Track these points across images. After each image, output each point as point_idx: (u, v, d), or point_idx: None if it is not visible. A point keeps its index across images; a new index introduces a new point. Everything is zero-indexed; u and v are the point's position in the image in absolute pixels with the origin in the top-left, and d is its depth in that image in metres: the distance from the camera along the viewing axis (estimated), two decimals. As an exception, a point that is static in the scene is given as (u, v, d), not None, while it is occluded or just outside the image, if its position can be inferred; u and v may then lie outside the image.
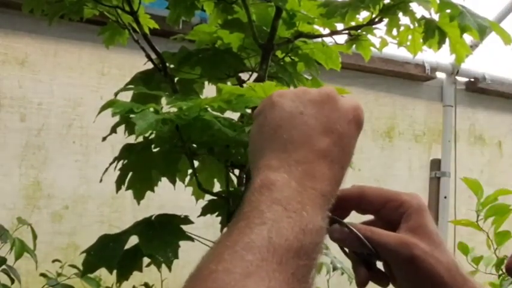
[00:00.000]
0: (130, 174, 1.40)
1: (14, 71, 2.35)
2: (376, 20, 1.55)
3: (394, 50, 1.72)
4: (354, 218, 0.75)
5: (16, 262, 1.82)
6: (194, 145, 1.39)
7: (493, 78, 3.31)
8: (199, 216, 1.46)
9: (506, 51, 1.68)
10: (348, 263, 1.91)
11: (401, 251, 0.67)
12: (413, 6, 1.51)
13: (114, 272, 1.37)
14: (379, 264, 0.71)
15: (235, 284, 0.51)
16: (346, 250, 0.72)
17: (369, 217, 0.74)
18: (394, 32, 1.59)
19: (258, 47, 1.56)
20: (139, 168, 1.41)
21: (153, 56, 1.57)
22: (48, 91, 2.39)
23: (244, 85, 1.55)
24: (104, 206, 2.43)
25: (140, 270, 1.39)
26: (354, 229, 0.69)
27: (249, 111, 1.42)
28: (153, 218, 1.42)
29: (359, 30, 1.59)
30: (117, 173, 1.41)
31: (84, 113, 2.40)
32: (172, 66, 1.57)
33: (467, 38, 1.54)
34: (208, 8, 1.62)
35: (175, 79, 1.57)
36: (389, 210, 0.72)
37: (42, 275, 1.92)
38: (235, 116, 1.48)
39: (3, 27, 2.33)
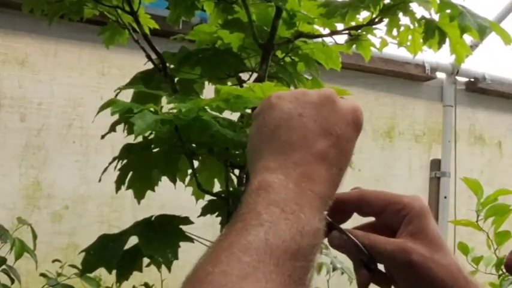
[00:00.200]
0: (130, 173, 1.40)
1: (14, 71, 2.35)
2: (376, 20, 1.55)
3: (394, 50, 1.72)
4: (356, 220, 0.75)
5: (16, 262, 1.82)
6: (193, 145, 1.39)
7: (493, 78, 3.31)
8: (199, 216, 1.46)
9: (506, 51, 1.68)
10: (348, 263, 1.91)
11: (398, 257, 0.67)
12: (414, 6, 1.50)
13: (114, 272, 1.37)
14: (381, 266, 0.71)
15: (232, 286, 0.51)
16: None
17: (371, 219, 0.74)
18: (394, 32, 1.59)
19: (258, 47, 1.56)
20: (139, 168, 1.41)
21: (153, 56, 1.57)
22: (48, 91, 2.39)
23: (245, 85, 1.55)
24: (103, 206, 2.43)
25: (140, 270, 1.39)
26: (351, 236, 0.69)
27: (248, 111, 1.42)
28: (153, 218, 1.42)
29: (359, 30, 1.59)
30: (117, 173, 1.41)
31: (84, 113, 2.40)
32: (172, 66, 1.57)
33: (467, 38, 1.54)
34: (208, 8, 1.62)
35: (175, 79, 1.57)
36: (390, 213, 0.71)
37: (42, 275, 1.92)
38: (234, 116, 1.48)
39: (3, 27, 2.33)
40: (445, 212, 3.09)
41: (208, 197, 1.50)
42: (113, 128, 1.36)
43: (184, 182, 1.51)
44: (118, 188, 1.40)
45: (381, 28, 1.59)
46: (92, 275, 1.79)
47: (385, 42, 1.64)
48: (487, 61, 3.16)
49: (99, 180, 1.40)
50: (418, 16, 1.53)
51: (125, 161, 1.41)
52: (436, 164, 3.17)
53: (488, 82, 3.29)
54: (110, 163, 1.41)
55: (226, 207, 1.44)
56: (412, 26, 1.58)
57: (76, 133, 2.42)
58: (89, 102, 2.38)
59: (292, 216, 0.57)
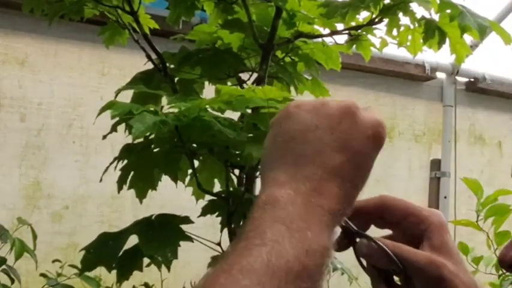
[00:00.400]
0: (131, 173, 1.40)
1: (14, 71, 2.35)
2: (376, 20, 1.55)
3: (394, 50, 1.72)
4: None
5: (16, 262, 1.82)
6: (194, 145, 1.39)
7: (493, 78, 3.31)
8: (199, 216, 1.46)
9: (506, 51, 1.68)
10: (348, 263, 1.91)
11: (430, 271, 0.65)
12: (414, 6, 1.51)
13: (114, 271, 1.37)
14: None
15: None
16: (365, 265, 0.69)
17: (387, 232, 0.71)
18: (394, 32, 1.59)
19: (258, 47, 1.56)
20: (140, 168, 1.41)
21: (153, 56, 1.57)
22: (48, 91, 2.39)
23: (245, 85, 1.55)
24: (103, 206, 2.43)
25: (140, 270, 1.39)
26: (382, 245, 0.66)
27: (249, 111, 1.42)
28: (153, 217, 1.42)
29: (359, 30, 1.59)
30: (117, 173, 1.41)
31: (84, 113, 2.40)
32: (172, 66, 1.57)
33: (467, 38, 1.54)
34: (208, 8, 1.62)
35: (176, 79, 1.57)
36: (409, 225, 0.69)
37: (42, 275, 1.92)
38: (235, 116, 1.48)
39: (3, 27, 2.32)
40: (445, 212, 3.09)
41: (208, 197, 1.50)
42: (114, 129, 1.36)
43: (184, 182, 1.51)
44: (120, 188, 1.41)
45: (381, 28, 1.59)
46: (91, 274, 1.79)
47: (385, 42, 1.64)
48: (487, 61, 3.16)
49: (100, 180, 1.40)
50: (418, 16, 1.53)
51: (125, 161, 1.41)
52: (436, 164, 3.17)
53: (488, 82, 3.29)
54: (111, 163, 1.41)
55: (226, 207, 1.45)
56: (412, 26, 1.58)
57: (76, 133, 2.42)
58: (89, 102, 2.38)
59: (298, 234, 0.55)
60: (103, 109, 1.30)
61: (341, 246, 0.67)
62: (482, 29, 1.45)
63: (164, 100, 1.42)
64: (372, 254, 0.67)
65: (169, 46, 1.64)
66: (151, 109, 1.26)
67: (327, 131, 0.62)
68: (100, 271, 1.43)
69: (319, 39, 1.64)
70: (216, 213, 1.47)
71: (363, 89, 3.01)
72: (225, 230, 1.46)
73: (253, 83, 1.53)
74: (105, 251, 1.36)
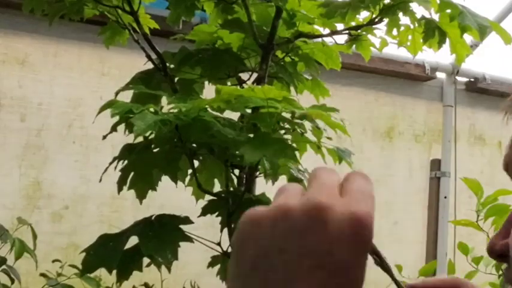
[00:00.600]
0: (131, 174, 1.40)
1: (14, 71, 2.35)
2: (376, 20, 1.55)
3: (394, 50, 1.72)
4: None
5: (16, 262, 1.82)
6: (194, 145, 1.39)
7: (493, 78, 3.31)
8: (199, 216, 1.46)
9: (506, 51, 1.68)
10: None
11: None
12: (414, 6, 1.51)
13: (114, 272, 1.37)
14: None
15: None
16: None
17: None
18: (394, 32, 1.59)
19: (258, 47, 1.56)
20: (140, 168, 1.41)
21: (153, 56, 1.57)
22: (48, 91, 2.39)
23: (245, 85, 1.55)
24: (104, 206, 2.43)
25: (140, 270, 1.39)
26: None
27: (249, 111, 1.42)
28: (153, 218, 1.42)
29: (359, 30, 1.59)
30: (117, 173, 1.41)
31: (84, 113, 2.40)
32: (172, 66, 1.57)
33: (467, 38, 1.54)
34: (208, 8, 1.62)
35: (176, 79, 1.57)
36: None
37: (42, 275, 1.92)
38: (235, 116, 1.48)
39: (3, 27, 2.32)
40: (445, 212, 3.09)
41: (208, 197, 1.50)
42: (114, 129, 1.36)
43: (184, 182, 1.51)
44: (120, 189, 1.41)
45: (381, 28, 1.59)
46: (92, 275, 1.79)
47: (385, 42, 1.64)
48: (487, 61, 3.16)
49: (100, 180, 1.40)
50: (418, 16, 1.53)
51: (125, 162, 1.41)
52: (436, 164, 3.17)
53: (488, 82, 3.28)
54: (110, 163, 1.41)
55: (226, 207, 1.45)
56: (412, 26, 1.58)
57: (76, 133, 2.42)
58: (89, 102, 2.38)
59: None
60: (103, 108, 1.30)
61: None
62: (482, 29, 1.45)
63: (164, 100, 1.42)
64: None
65: (169, 46, 1.64)
66: (152, 109, 1.26)
67: (293, 252, 0.50)
68: (100, 271, 1.43)
69: (319, 39, 1.64)
70: (216, 213, 1.47)
71: (363, 89, 3.01)
72: (225, 230, 1.46)
73: (253, 83, 1.53)
74: (105, 252, 1.36)
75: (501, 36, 1.51)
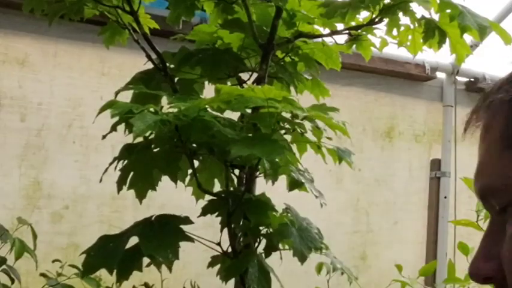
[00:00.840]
0: (131, 174, 1.40)
1: (14, 71, 2.35)
2: (376, 20, 1.55)
3: (394, 50, 1.72)
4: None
5: (16, 262, 1.82)
6: (194, 145, 1.39)
7: (493, 78, 3.30)
8: (199, 216, 1.46)
9: (506, 51, 1.68)
10: (348, 263, 1.91)
11: None
12: (414, 6, 1.51)
13: (114, 272, 1.37)
14: None
15: None
16: None
17: None
18: (394, 32, 1.59)
19: (258, 47, 1.56)
20: (140, 168, 1.41)
21: (153, 56, 1.57)
22: (48, 91, 2.39)
23: (245, 85, 1.55)
24: (104, 206, 2.43)
25: (140, 270, 1.39)
26: None
27: (249, 111, 1.42)
28: (153, 218, 1.42)
29: (359, 30, 1.59)
30: (117, 173, 1.41)
31: (84, 113, 2.40)
32: (172, 66, 1.57)
33: (467, 38, 1.54)
34: (208, 8, 1.62)
35: (176, 79, 1.57)
36: None
37: (42, 275, 1.92)
38: (235, 116, 1.48)
39: (3, 27, 2.32)
40: (445, 212, 3.09)
41: (208, 197, 1.50)
42: (113, 129, 1.36)
43: (184, 182, 1.51)
44: (120, 189, 1.41)
45: (381, 28, 1.59)
46: (92, 275, 1.79)
47: (385, 42, 1.64)
48: (487, 61, 3.16)
49: (100, 180, 1.40)
50: (418, 16, 1.53)
51: (125, 161, 1.41)
52: (436, 164, 3.17)
53: (488, 82, 3.28)
54: (111, 163, 1.41)
55: (226, 207, 1.45)
56: (412, 26, 1.58)
57: (76, 133, 2.42)
58: (89, 102, 2.38)
59: None
60: (103, 108, 1.30)
61: None
62: (482, 29, 1.45)
63: (164, 100, 1.42)
64: None
65: (169, 46, 1.64)
66: (151, 109, 1.26)
67: None
68: (100, 271, 1.43)
69: (319, 39, 1.64)
70: (216, 213, 1.47)
71: (363, 89, 3.01)
72: (225, 230, 1.46)
73: (253, 83, 1.53)
74: (106, 253, 1.36)
75: (501, 37, 1.51)
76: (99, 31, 1.67)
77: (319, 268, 2.01)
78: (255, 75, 1.57)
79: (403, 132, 3.13)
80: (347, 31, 1.60)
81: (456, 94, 3.23)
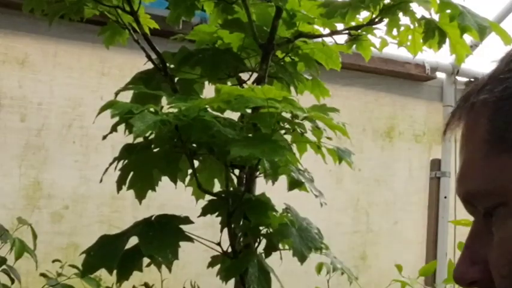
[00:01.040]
0: (131, 174, 1.40)
1: (14, 71, 2.35)
2: (376, 20, 1.55)
3: (394, 50, 1.72)
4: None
5: (16, 262, 1.82)
6: (194, 145, 1.39)
7: (493, 78, 3.30)
8: (199, 216, 1.46)
9: (506, 51, 1.68)
10: (348, 263, 1.91)
11: None
12: (414, 6, 1.51)
13: (114, 272, 1.37)
14: None
15: None
16: None
17: None
18: (394, 32, 1.59)
19: (258, 47, 1.56)
20: (140, 168, 1.41)
21: (153, 56, 1.57)
22: (48, 91, 2.39)
23: (245, 85, 1.55)
24: (104, 206, 2.43)
25: (140, 270, 1.39)
26: None
27: (249, 111, 1.42)
28: (153, 218, 1.42)
29: (359, 30, 1.59)
30: (117, 173, 1.41)
31: (84, 113, 2.40)
32: (172, 66, 1.57)
33: (467, 38, 1.54)
34: (208, 8, 1.62)
35: (176, 79, 1.57)
36: None
37: (42, 275, 1.92)
38: (235, 116, 1.48)
39: (3, 27, 2.32)
40: (445, 212, 3.09)
41: (208, 197, 1.50)
42: (114, 129, 1.36)
43: (184, 182, 1.51)
44: (119, 188, 1.41)
45: (381, 28, 1.59)
46: (92, 275, 1.79)
47: (385, 42, 1.64)
48: (487, 61, 3.16)
49: (100, 180, 1.40)
50: (418, 16, 1.53)
51: (125, 161, 1.41)
52: (436, 164, 3.17)
53: (488, 82, 3.28)
54: (111, 163, 1.41)
55: (226, 207, 1.45)
56: (412, 26, 1.58)
57: (76, 133, 2.42)
58: (89, 102, 2.38)
59: None
60: (103, 108, 1.30)
61: None
62: (482, 29, 1.45)
63: (164, 100, 1.42)
64: None
65: (169, 46, 1.64)
66: (152, 109, 1.26)
67: None
68: (100, 271, 1.43)
69: (319, 39, 1.64)
70: (216, 213, 1.47)
71: (363, 89, 3.01)
72: (225, 230, 1.46)
73: (253, 83, 1.53)
74: (105, 253, 1.36)
75: (501, 37, 1.51)
76: (99, 31, 1.67)
77: (319, 268, 2.01)
78: (255, 75, 1.57)
79: (403, 132, 3.13)
80: (347, 31, 1.60)
81: (456, 94, 3.22)
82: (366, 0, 1.47)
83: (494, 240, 0.56)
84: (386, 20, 1.56)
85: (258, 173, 1.49)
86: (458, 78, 3.26)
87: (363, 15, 1.55)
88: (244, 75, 1.61)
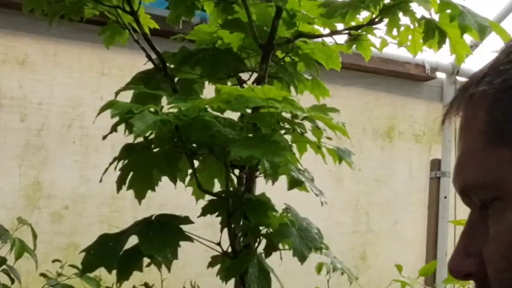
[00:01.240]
0: (131, 174, 1.40)
1: (14, 71, 2.35)
2: (376, 20, 1.55)
3: (394, 50, 1.72)
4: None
5: (16, 262, 1.82)
6: (194, 145, 1.39)
7: (493, 78, 3.30)
8: (199, 216, 1.46)
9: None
10: (348, 263, 1.91)
11: None
12: (414, 6, 1.51)
13: (114, 272, 1.37)
14: None
15: None
16: None
17: None
18: (394, 32, 1.59)
19: (258, 47, 1.56)
20: (140, 168, 1.41)
21: (153, 56, 1.57)
22: (48, 91, 2.39)
23: (245, 85, 1.55)
24: (104, 206, 2.43)
25: (140, 270, 1.39)
26: None
27: (249, 111, 1.42)
28: (152, 218, 1.42)
29: (359, 30, 1.59)
30: (117, 173, 1.41)
31: (84, 113, 2.40)
32: (172, 66, 1.57)
33: (467, 38, 1.54)
34: (208, 8, 1.62)
35: (176, 79, 1.57)
36: None
37: (42, 275, 1.92)
38: (235, 116, 1.48)
39: (3, 27, 2.32)
40: (445, 212, 3.09)
41: (208, 197, 1.50)
42: (114, 129, 1.36)
43: (184, 182, 1.51)
44: (119, 188, 1.41)
45: (381, 28, 1.59)
46: (92, 274, 1.79)
47: (385, 42, 1.64)
48: (487, 61, 3.16)
49: (100, 180, 1.40)
50: (418, 16, 1.53)
51: (125, 161, 1.41)
52: (436, 164, 3.17)
53: (488, 82, 3.28)
54: (111, 163, 1.41)
55: (226, 207, 1.45)
56: (412, 26, 1.58)
57: (76, 133, 2.42)
58: (89, 102, 2.38)
59: None
60: (103, 108, 1.30)
61: None
62: (482, 29, 1.45)
63: (164, 100, 1.42)
64: None
65: (169, 46, 1.64)
66: (152, 109, 1.26)
67: None
68: (100, 271, 1.43)
69: (319, 39, 1.64)
70: (216, 213, 1.47)
71: (363, 89, 3.01)
72: (225, 230, 1.46)
73: (253, 83, 1.53)
74: (105, 252, 1.36)
75: (501, 37, 1.51)
76: (99, 31, 1.67)
77: (319, 268, 2.01)
78: (255, 75, 1.57)
79: (403, 132, 3.13)
80: (347, 31, 1.60)
81: (456, 94, 3.22)
82: (366, 0, 1.47)
83: (490, 233, 0.56)
84: (386, 20, 1.56)
85: (258, 173, 1.49)
86: (458, 78, 3.26)
87: (363, 15, 1.55)
88: (244, 75, 1.61)
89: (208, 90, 1.54)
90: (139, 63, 1.63)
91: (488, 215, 0.56)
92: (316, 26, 1.62)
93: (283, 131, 1.43)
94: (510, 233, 0.54)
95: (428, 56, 2.60)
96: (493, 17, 2.86)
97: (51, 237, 2.33)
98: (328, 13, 1.51)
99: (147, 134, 1.34)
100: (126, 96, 1.47)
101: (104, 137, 1.38)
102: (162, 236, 1.36)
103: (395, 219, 3.02)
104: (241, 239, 1.48)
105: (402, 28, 1.59)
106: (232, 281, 1.48)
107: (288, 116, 1.37)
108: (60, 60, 2.42)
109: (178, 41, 1.66)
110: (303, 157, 1.53)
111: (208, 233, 1.44)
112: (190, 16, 1.59)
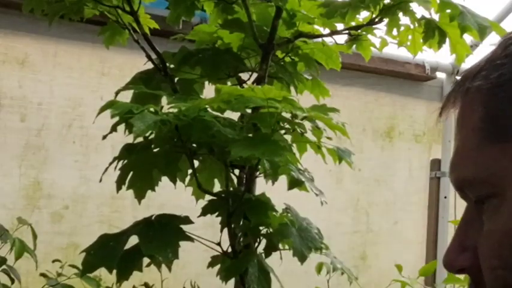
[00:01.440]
0: (130, 173, 1.40)
1: (14, 71, 2.35)
2: (376, 20, 1.55)
3: (394, 50, 1.72)
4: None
5: (16, 262, 1.82)
6: (194, 145, 1.39)
7: (493, 78, 3.30)
8: (199, 216, 1.46)
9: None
10: (348, 263, 1.91)
11: None
12: (414, 6, 1.51)
13: (114, 272, 1.37)
14: None
15: None
16: None
17: None
18: (394, 32, 1.59)
19: (258, 47, 1.56)
20: (139, 168, 1.41)
21: (153, 56, 1.57)
22: (48, 91, 2.39)
23: (245, 85, 1.55)
24: (104, 206, 2.43)
25: (140, 270, 1.39)
26: None
27: (249, 111, 1.42)
28: (153, 218, 1.42)
29: (359, 30, 1.59)
30: (117, 173, 1.41)
31: (84, 113, 2.40)
32: (172, 66, 1.57)
33: (467, 38, 1.54)
34: (208, 8, 1.62)
35: (176, 79, 1.57)
36: None
37: (42, 275, 1.92)
38: (235, 116, 1.48)
39: (3, 27, 2.32)
40: (445, 212, 3.09)
41: (208, 197, 1.50)
42: (114, 129, 1.36)
43: (184, 182, 1.51)
44: (119, 188, 1.41)
45: (381, 28, 1.59)
46: (91, 274, 1.79)
47: (385, 42, 1.64)
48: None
49: (100, 180, 1.40)
50: (418, 16, 1.53)
51: (125, 161, 1.41)
52: (436, 164, 3.17)
53: (488, 82, 3.28)
54: (110, 163, 1.41)
55: (226, 207, 1.45)
56: (412, 26, 1.58)
57: (76, 133, 2.42)
58: (89, 102, 2.38)
59: None
60: (103, 108, 1.30)
61: None
62: (482, 29, 1.45)
63: (164, 100, 1.42)
64: None
65: (169, 46, 1.64)
66: (152, 109, 1.26)
67: None
68: (100, 271, 1.43)
69: (319, 39, 1.64)
70: (216, 213, 1.47)
71: (363, 89, 3.01)
72: (225, 230, 1.46)
73: (253, 83, 1.53)
74: (105, 252, 1.36)
75: (501, 36, 1.51)
76: (99, 31, 1.67)
77: (319, 268, 2.01)
78: (255, 75, 1.57)
79: (403, 132, 3.13)
80: (347, 31, 1.61)
81: (456, 94, 3.22)
82: (366, 0, 1.47)
83: (484, 230, 0.55)
84: (386, 20, 1.56)
85: (258, 173, 1.49)
86: (458, 78, 3.25)
87: (363, 15, 1.55)
88: (244, 75, 1.61)
89: (208, 90, 1.54)
90: (139, 63, 1.63)
91: (483, 210, 0.56)
92: (316, 26, 1.62)
93: (283, 131, 1.43)
94: (504, 231, 0.53)
95: (428, 56, 2.61)
96: (493, 17, 2.86)
97: (51, 237, 2.33)
98: (328, 13, 1.51)
99: (147, 134, 1.34)
100: (126, 96, 1.47)
101: (104, 137, 1.38)
102: (162, 236, 1.36)
103: (395, 219, 3.02)
104: (241, 239, 1.48)
105: (402, 28, 1.59)
106: (232, 281, 1.48)
107: (288, 116, 1.37)
108: (60, 60, 2.42)
109: (178, 41, 1.66)
110: (303, 157, 1.53)
111: (208, 233, 1.44)
112: (190, 16, 1.59)
